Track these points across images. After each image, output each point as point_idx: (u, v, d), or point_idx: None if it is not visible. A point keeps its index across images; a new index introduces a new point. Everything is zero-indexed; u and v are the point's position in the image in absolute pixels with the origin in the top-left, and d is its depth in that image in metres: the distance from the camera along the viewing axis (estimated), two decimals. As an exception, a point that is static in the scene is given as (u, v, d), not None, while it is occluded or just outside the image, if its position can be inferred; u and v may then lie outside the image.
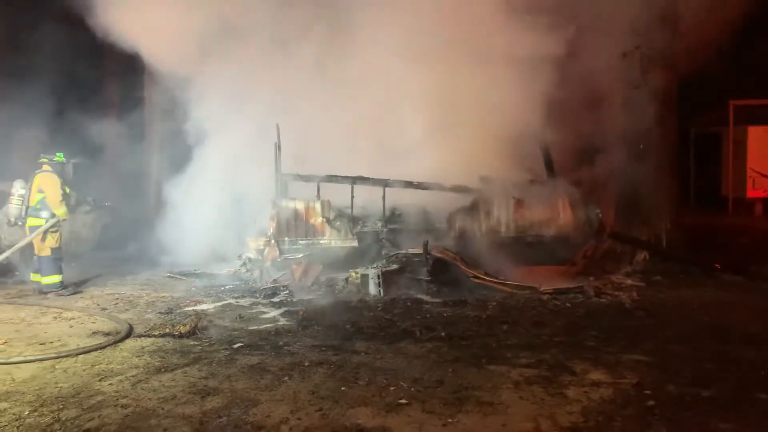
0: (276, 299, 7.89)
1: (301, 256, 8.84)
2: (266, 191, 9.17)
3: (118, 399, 4.55)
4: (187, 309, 7.44)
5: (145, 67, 12.24)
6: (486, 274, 8.28)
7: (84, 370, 5.21)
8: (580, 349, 5.67)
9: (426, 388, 4.71)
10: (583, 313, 7.11)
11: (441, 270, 8.22)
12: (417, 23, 9.54)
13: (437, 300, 7.70)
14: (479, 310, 7.17)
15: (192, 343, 5.97)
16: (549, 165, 9.51)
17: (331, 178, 9.13)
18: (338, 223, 9.10)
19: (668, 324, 6.57)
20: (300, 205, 9.05)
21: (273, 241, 8.89)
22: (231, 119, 10.31)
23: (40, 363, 5.38)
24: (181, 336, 6.15)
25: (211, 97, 10.42)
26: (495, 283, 8.15)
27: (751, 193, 17.69)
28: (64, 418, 4.21)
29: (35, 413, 4.30)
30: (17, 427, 4.09)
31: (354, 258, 8.93)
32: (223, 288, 8.67)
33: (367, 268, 8.35)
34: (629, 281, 8.69)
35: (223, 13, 10.15)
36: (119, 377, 5.01)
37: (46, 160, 8.63)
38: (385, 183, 9.05)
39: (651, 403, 4.42)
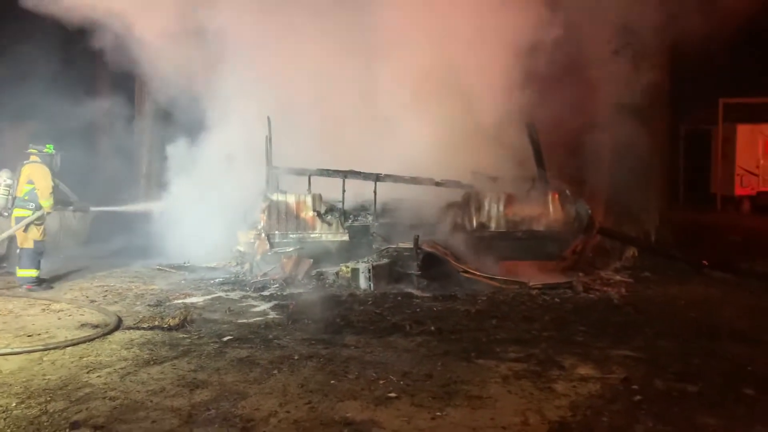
0: (266, 293, 7.90)
1: (291, 249, 8.82)
2: (257, 185, 9.13)
3: (106, 391, 4.53)
4: (176, 302, 7.42)
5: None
6: (476, 269, 8.30)
7: (72, 362, 5.19)
8: (568, 344, 5.71)
9: (415, 382, 4.73)
10: (572, 308, 7.16)
11: (431, 264, 8.24)
12: (405, 15, 9.51)
13: (427, 294, 7.73)
14: (469, 305, 7.20)
15: (181, 335, 5.96)
16: (539, 158, 9.50)
17: (323, 172, 9.11)
18: (329, 216, 9.08)
19: (656, 320, 6.62)
20: (291, 199, 9.03)
21: (263, 235, 8.86)
22: (222, 112, 10.25)
23: (27, 355, 5.35)
24: (170, 329, 6.14)
25: (201, 91, 10.35)
26: (485, 278, 8.17)
27: (739, 191, 17.86)
28: (51, 410, 4.19)
29: (22, 405, 4.28)
30: (4, 419, 4.06)
31: (345, 252, 8.92)
32: (212, 281, 8.65)
33: (358, 262, 8.36)
34: (618, 277, 8.76)
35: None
36: (108, 369, 4.99)
37: (35, 150, 8.51)
38: (376, 177, 9.03)
39: (638, 397, 4.45)
